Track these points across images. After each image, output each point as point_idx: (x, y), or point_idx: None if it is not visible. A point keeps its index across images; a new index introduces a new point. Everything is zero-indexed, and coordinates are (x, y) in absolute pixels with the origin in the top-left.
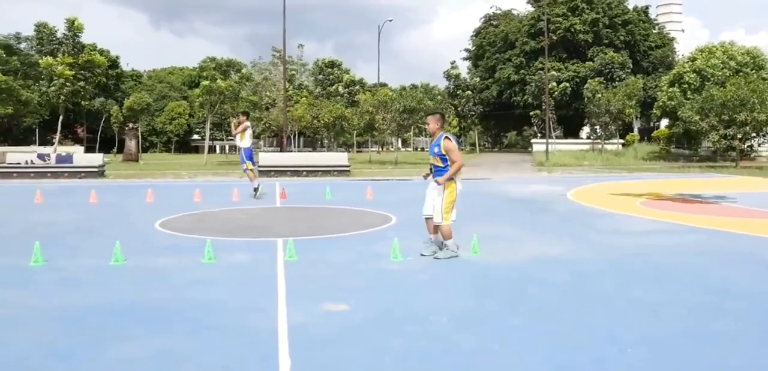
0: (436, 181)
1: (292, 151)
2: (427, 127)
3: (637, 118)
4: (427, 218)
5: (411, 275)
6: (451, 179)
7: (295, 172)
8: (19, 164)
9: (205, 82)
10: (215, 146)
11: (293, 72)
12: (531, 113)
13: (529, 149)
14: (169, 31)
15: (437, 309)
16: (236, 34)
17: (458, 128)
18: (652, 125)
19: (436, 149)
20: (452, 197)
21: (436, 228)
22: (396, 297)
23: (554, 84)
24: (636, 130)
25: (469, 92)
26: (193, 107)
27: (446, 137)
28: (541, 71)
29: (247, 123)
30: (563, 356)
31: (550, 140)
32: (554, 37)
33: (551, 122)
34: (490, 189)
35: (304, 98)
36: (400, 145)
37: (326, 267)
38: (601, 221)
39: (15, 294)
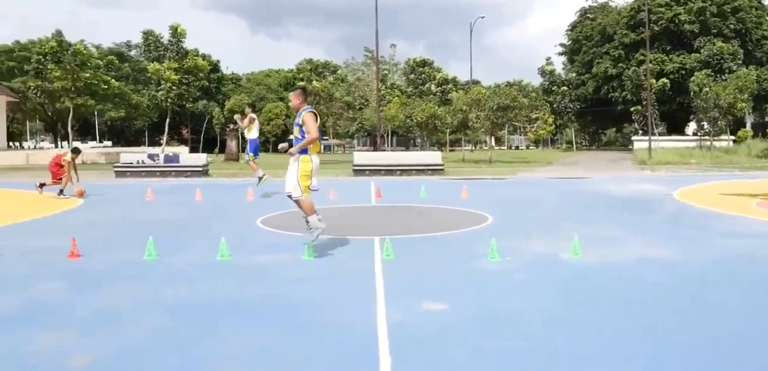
0: (289, 152)
1: (385, 150)
2: (290, 103)
3: (749, 112)
4: (289, 197)
5: (510, 276)
6: (305, 152)
7: (389, 171)
8: (131, 164)
9: (301, 84)
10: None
11: (386, 72)
12: (631, 109)
13: (630, 147)
14: (266, 35)
15: (537, 311)
16: (330, 36)
17: (554, 125)
18: (767, 119)
19: (297, 121)
20: (307, 169)
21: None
22: (495, 298)
23: (653, 80)
24: (749, 125)
25: (565, 88)
26: (290, 108)
27: (308, 111)
28: (642, 64)
29: (253, 115)
30: (669, 367)
31: (652, 137)
32: (656, 28)
33: (653, 118)
34: (590, 188)
35: (396, 98)
36: (493, 143)
37: (423, 266)
38: (711, 223)
39: (131, 286)
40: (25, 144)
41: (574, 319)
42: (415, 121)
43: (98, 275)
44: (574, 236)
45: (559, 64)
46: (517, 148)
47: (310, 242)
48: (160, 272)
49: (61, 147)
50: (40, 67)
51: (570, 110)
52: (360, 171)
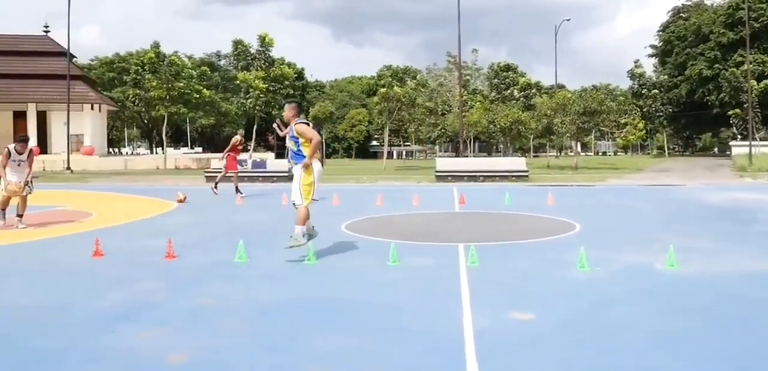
0: (295, 164)
1: (467, 156)
2: (283, 114)
3: None
4: (293, 205)
5: (600, 286)
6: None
7: (472, 177)
8: (221, 169)
9: (383, 90)
10: (392, 152)
11: (468, 77)
12: (729, 113)
13: (727, 153)
14: (349, 42)
15: (629, 323)
16: (411, 42)
17: (644, 130)
18: None
19: (291, 133)
20: (309, 180)
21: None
22: (584, 309)
23: (754, 82)
24: None
25: (656, 92)
26: (372, 114)
27: (300, 122)
28: (741, 65)
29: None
30: None
31: (753, 143)
32: (756, 26)
33: (754, 122)
34: (684, 196)
35: (479, 103)
36: (579, 149)
37: (509, 274)
38: None
39: (224, 287)
40: (124, 150)
41: (672, 335)
42: (498, 126)
43: (193, 275)
44: (669, 247)
45: (649, 66)
46: (604, 154)
47: (287, 247)
48: (251, 275)
49: (157, 153)
50: (138, 77)
51: (661, 114)
52: (442, 177)
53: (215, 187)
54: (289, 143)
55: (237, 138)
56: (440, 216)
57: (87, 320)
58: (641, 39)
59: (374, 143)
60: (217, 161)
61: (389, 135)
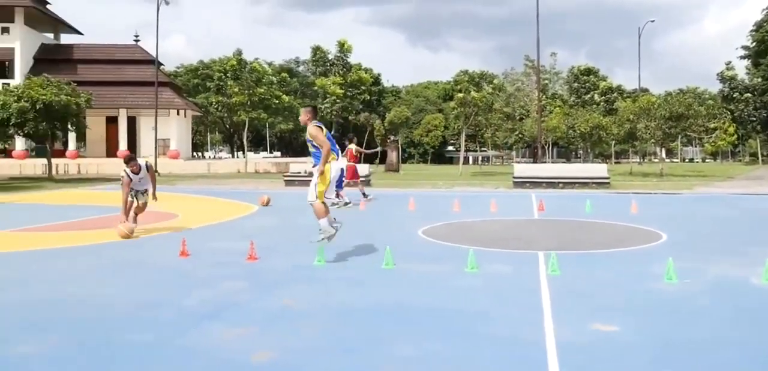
0: (315, 165)
1: (545, 162)
2: (300, 118)
3: None
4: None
5: (690, 300)
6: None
7: (551, 183)
8: (299, 173)
9: (460, 95)
10: (468, 157)
11: (546, 81)
12: None
13: None
14: (425, 47)
15: (723, 340)
16: (487, 46)
17: (735, 135)
18: None
19: (307, 136)
20: (326, 180)
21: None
22: (673, 323)
23: None
24: None
25: (749, 95)
26: (448, 120)
27: (315, 125)
28: None
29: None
30: None
31: None
32: None
33: None
34: None
35: (558, 108)
36: (664, 155)
37: (592, 284)
38: None
39: (304, 289)
40: (206, 154)
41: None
42: (577, 132)
43: (274, 277)
44: (766, 260)
45: (741, 68)
46: (691, 160)
47: (317, 241)
48: (330, 278)
49: (237, 157)
50: (221, 83)
51: (755, 118)
52: (520, 183)
53: (365, 197)
54: (310, 147)
55: (352, 147)
56: (519, 223)
57: (176, 317)
58: (732, 40)
59: (450, 148)
60: (295, 165)
61: (465, 140)
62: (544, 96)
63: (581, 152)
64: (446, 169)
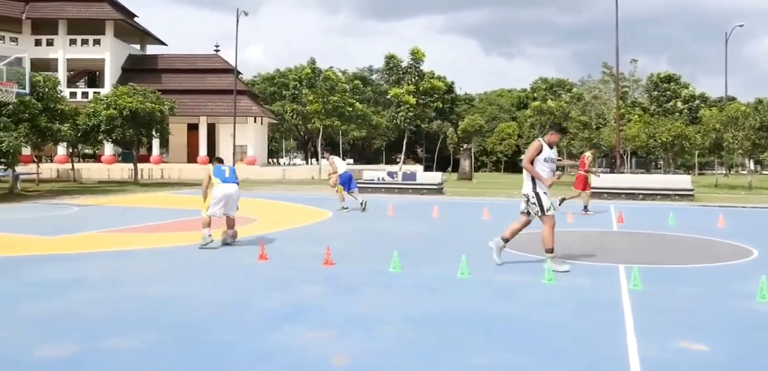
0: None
1: (623, 172)
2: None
3: None
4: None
5: None
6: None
7: (630, 195)
8: (372, 180)
9: (536, 103)
10: None
11: (625, 89)
12: None
13: None
14: (499, 54)
15: None
16: (562, 54)
17: None
18: None
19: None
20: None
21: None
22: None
23: None
24: None
25: None
26: (522, 128)
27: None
28: None
29: (333, 160)
30: None
31: None
32: None
33: None
34: None
35: (637, 116)
36: (752, 166)
37: (677, 300)
38: None
39: (380, 295)
40: (281, 160)
41: None
42: (659, 141)
43: (350, 282)
44: None
45: None
46: None
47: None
48: (405, 284)
49: (311, 164)
50: (296, 92)
51: None
52: (598, 194)
53: (585, 209)
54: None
55: (588, 154)
56: (597, 235)
57: (257, 318)
58: None
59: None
60: (369, 172)
61: None
62: (622, 104)
63: (661, 162)
64: (520, 178)
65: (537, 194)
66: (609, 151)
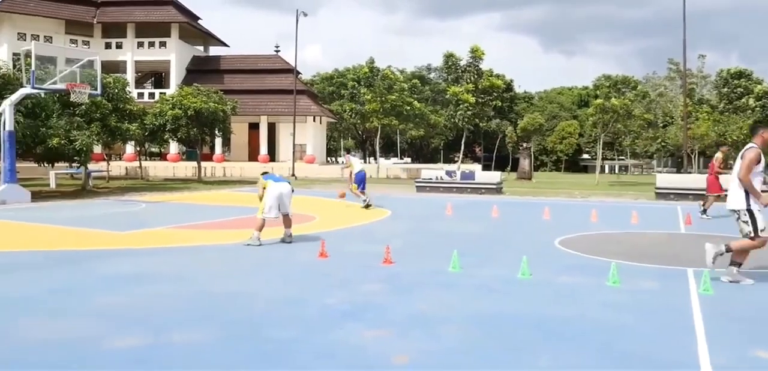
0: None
1: (690, 172)
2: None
3: None
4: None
5: None
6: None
7: (699, 195)
8: (430, 179)
9: (598, 101)
10: (604, 166)
11: (693, 85)
12: None
13: None
14: (559, 51)
15: None
16: (625, 50)
17: None
18: None
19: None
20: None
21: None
22: None
23: None
24: None
25: None
26: (584, 127)
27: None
28: None
29: (349, 158)
30: None
31: None
32: None
33: None
34: None
35: (705, 114)
36: None
37: (751, 307)
38: None
39: (440, 294)
40: (339, 159)
41: None
42: (729, 140)
43: (409, 281)
44: None
45: None
46: None
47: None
48: (465, 285)
49: (369, 162)
50: (354, 91)
51: None
52: (664, 194)
53: (704, 212)
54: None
55: (719, 155)
56: (664, 237)
57: (317, 315)
58: None
59: (585, 156)
60: (427, 171)
61: (602, 148)
62: (690, 102)
63: (731, 161)
64: (581, 178)
65: (750, 211)
66: (675, 150)
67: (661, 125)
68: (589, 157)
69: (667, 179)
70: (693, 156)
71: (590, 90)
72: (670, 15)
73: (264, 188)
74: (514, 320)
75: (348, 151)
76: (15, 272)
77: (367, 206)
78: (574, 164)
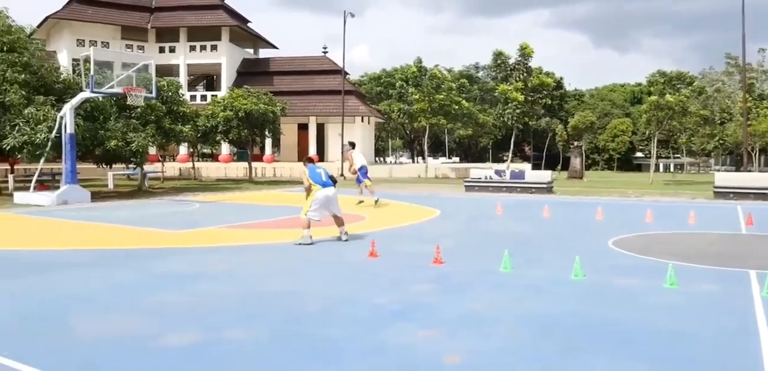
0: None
1: (751, 170)
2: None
3: None
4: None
5: None
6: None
7: (761, 195)
8: (479, 179)
9: (653, 98)
10: (659, 164)
11: (753, 80)
12: None
13: None
14: (611, 47)
15: None
16: (680, 45)
17: None
18: None
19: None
20: (309, 201)
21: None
22: None
23: None
24: None
25: None
26: (637, 124)
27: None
28: None
29: (351, 154)
30: None
31: None
32: None
33: None
34: None
35: (767, 109)
36: None
37: None
38: None
39: (491, 295)
40: (387, 159)
41: None
42: None
43: (460, 281)
44: None
45: None
46: None
47: (297, 242)
48: (517, 285)
49: (417, 162)
50: (402, 91)
51: None
52: (723, 194)
53: None
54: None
55: None
56: (724, 238)
57: (368, 314)
58: None
59: (638, 154)
60: (475, 170)
61: (657, 146)
62: (750, 97)
63: None
64: (634, 176)
65: None
66: (734, 148)
67: (719, 121)
68: (643, 155)
69: (726, 178)
70: (753, 154)
71: (643, 87)
72: (728, 8)
73: (308, 181)
74: (566, 322)
75: (353, 145)
76: (75, 269)
77: (360, 203)
78: (627, 163)
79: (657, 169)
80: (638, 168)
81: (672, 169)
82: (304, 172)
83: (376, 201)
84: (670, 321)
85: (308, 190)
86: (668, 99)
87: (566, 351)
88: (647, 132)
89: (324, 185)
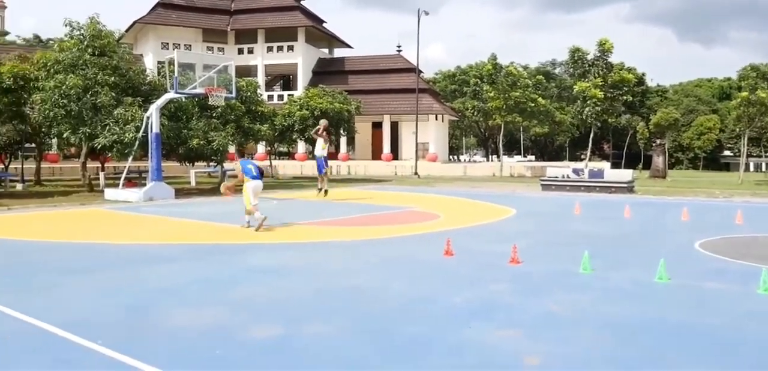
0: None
1: None
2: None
3: None
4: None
5: None
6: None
7: None
8: (556, 178)
9: (744, 94)
10: (749, 164)
11: None
12: None
13: None
14: (696, 42)
15: None
16: None
17: None
18: None
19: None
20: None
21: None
22: None
23: None
24: None
25: None
26: (725, 121)
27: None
28: None
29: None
30: None
31: None
32: None
33: None
34: None
35: None
36: None
37: None
38: None
39: (571, 296)
40: (462, 157)
41: None
42: None
43: (538, 281)
44: None
45: None
46: None
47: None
48: (597, 287)
49: (492, 160)
50: (477, 88)
51: None
52: None
53: None
54: None
55: None
56: None
57: (447, 313)
58: None
59: (726, 152)
60: (552, 169)
61: (747, 144)
62: None
63: None
64: (721, 176)
65: None
66: None
67: None
68: (732, 154)
69: None
70: None
71: (733, 82)
72: None
73: (241, 174)
74: (652, 326)
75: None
76: (162, 264)
77: (322, 191)
78: (714, 162)
79: (747, 168)
80: (726, 167)
81: (764, 168)
82: (238, 166)
83: (325, 192)
84: (764, 329)
85: (236, 180)
86: (761, 95)
87: (652, 358)
88: (737, 130)
89: (253, 177)
